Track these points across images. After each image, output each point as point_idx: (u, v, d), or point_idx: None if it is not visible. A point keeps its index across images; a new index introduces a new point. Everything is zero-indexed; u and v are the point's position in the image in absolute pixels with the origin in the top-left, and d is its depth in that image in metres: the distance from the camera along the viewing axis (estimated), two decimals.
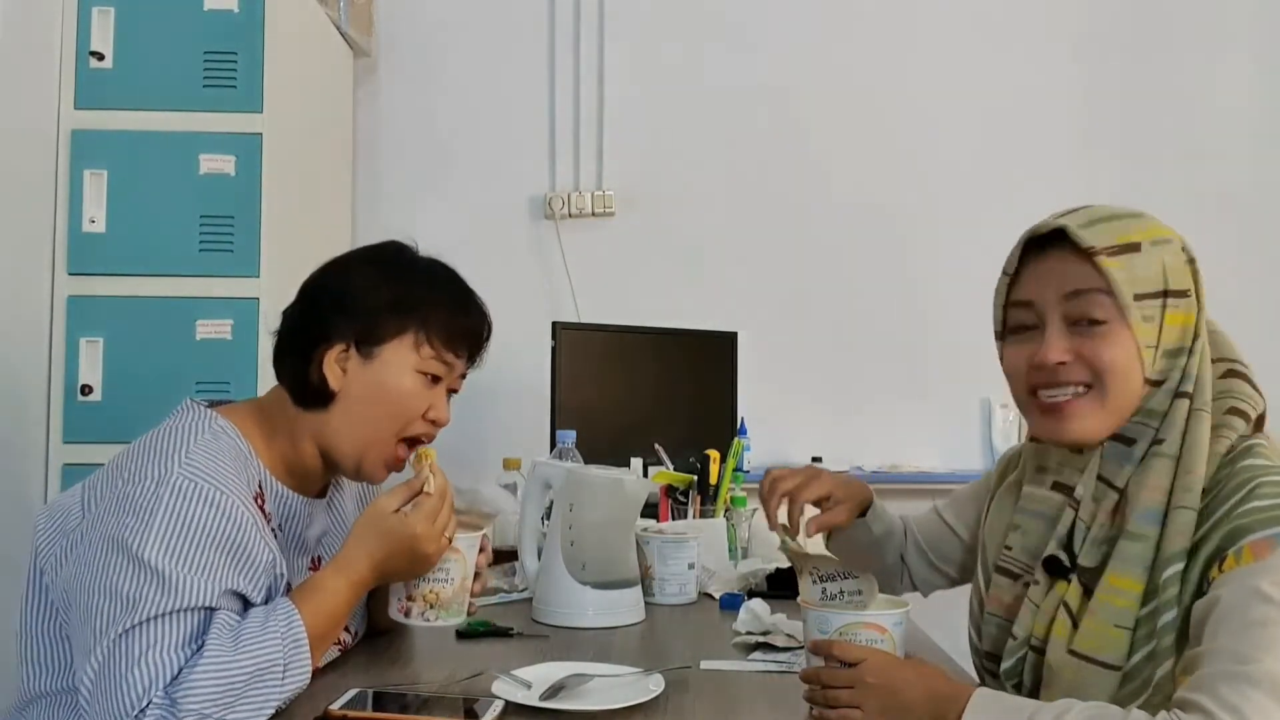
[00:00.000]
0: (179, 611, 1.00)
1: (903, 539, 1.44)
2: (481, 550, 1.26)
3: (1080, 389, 1.07)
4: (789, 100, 3.05)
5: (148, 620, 0.99)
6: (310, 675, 1.05)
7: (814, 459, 2.88)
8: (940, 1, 3.08)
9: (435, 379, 1.22)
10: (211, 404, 1.23)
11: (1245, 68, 3.07)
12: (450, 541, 1.18)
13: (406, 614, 1.20)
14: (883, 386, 3.02)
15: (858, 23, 3.06)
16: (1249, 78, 3.07)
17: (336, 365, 1.19)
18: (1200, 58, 3.06)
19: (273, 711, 1.01)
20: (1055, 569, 1.11)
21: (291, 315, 1.25)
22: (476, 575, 1.25)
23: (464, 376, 1.28)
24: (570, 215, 3.00)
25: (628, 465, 2.04)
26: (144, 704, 0.95)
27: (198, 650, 0.99)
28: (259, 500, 1.16)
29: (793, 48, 3.06)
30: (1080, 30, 3.07)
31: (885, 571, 1.42)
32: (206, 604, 1.02)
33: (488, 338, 1.29)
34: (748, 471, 2.36)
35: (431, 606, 1.19)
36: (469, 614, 1.25)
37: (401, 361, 1.20)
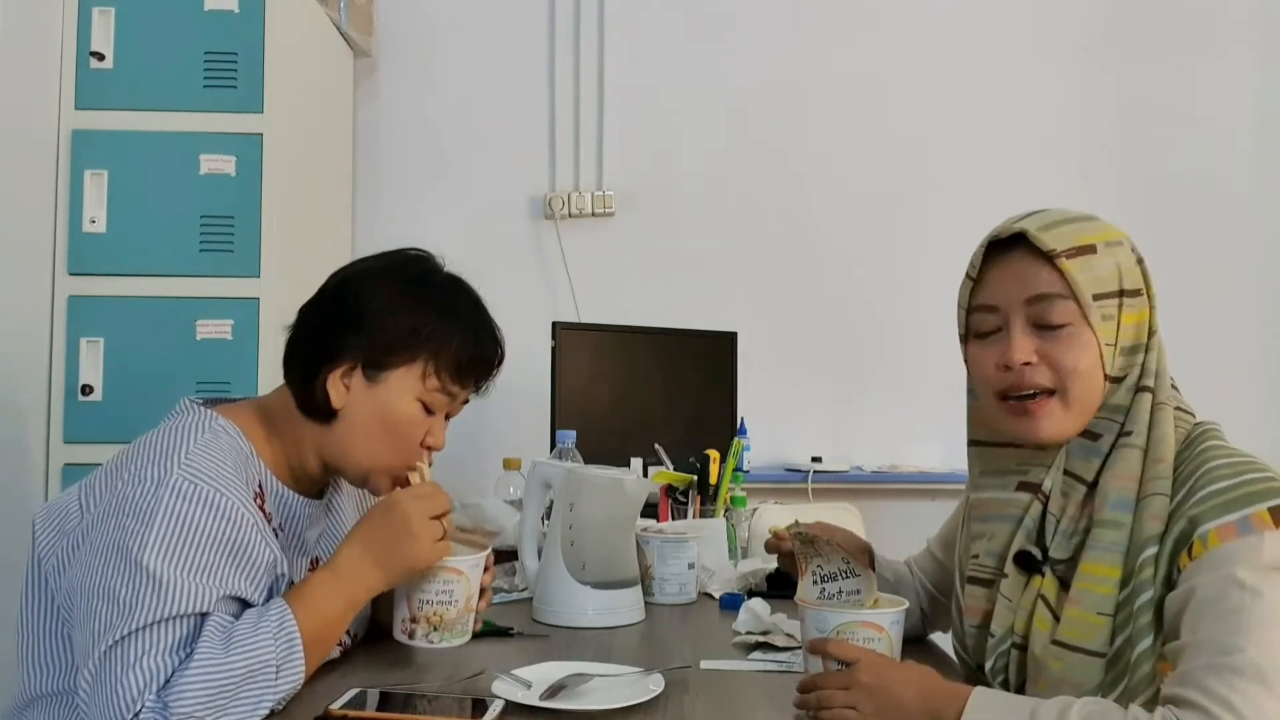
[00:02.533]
0: (176, 617, 1.00)
1: (912, 583, 1.45)
2: (486, 569, 1.25)
3: (1045, 393, 1.10)
4: (789, 100, 3.05)
5: (144, 627, 0.99)
6: (304, 674, 1.05)
7: (814, 459, 2.89)
8: (942, 3, 3.08)
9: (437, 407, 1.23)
10: (211, 402, 1.23)
11: (1246, 69, 3.06)
12: (445, 533, 1.17)
13: (410, 635, 1.19)
14: (883, 386, 3.02)
15: (858, 23, 3.06)
16: (1250, 79, 3.07)
17: (341, 383, 1.18)
18: (1201, 59, 3.06)
19: (267, 711, 1.02)
20: (1027, 564, 1.13)
21: (307, 318, 1.23)
22: (481, 593, 1.24)
23: (467, 402, 1.28)
24: (570, 215, 3.00)
25: (628, 465, 2.04)
26: (137, 709, 0.96)
27: (190, 654, 1.00)
28: (259, 500, 1.16)
29: (793, 48, 3.06)
30: (1079, 32, 3.06)
31: (909, 618, 1.41)
32: (203, 609, 1.02)
33: (498, 368, 1.28)
34: (748, 471, 2.37)
35: (435, 628, 1.18)
36: (475, 632, 1.24)
37: (405, 389, 1.19)
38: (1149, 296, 1.12)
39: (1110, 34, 3.06)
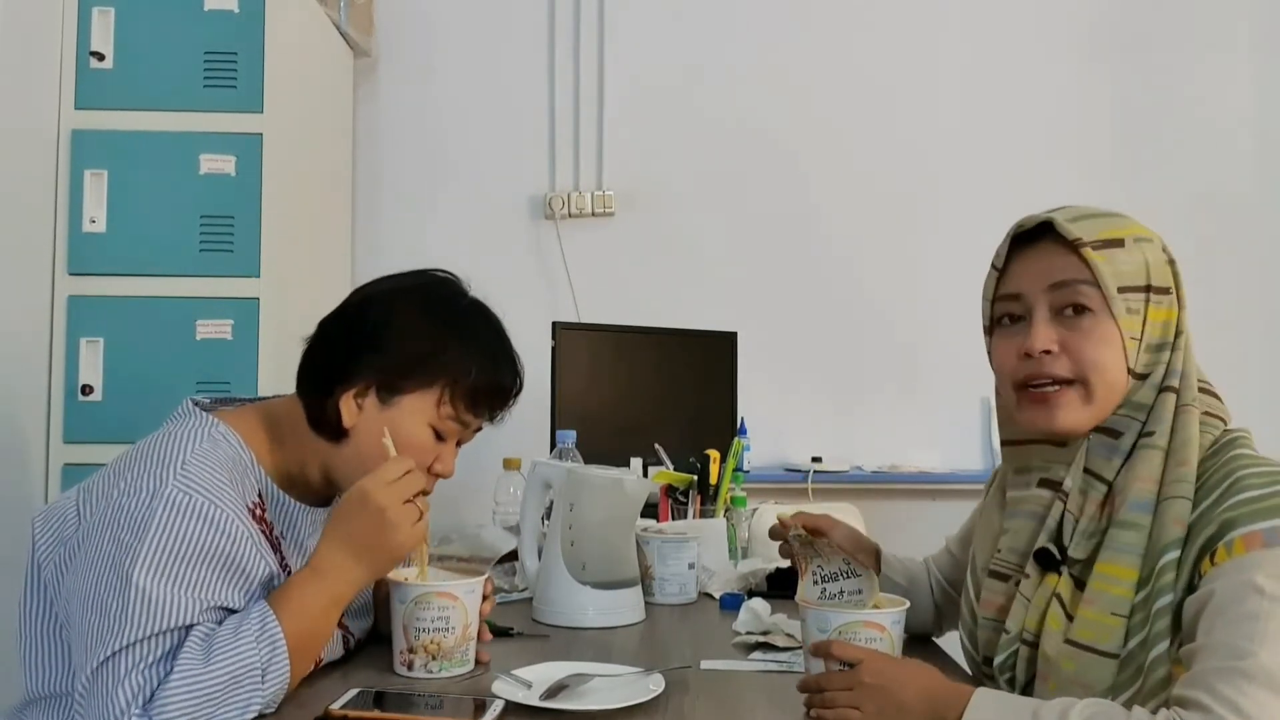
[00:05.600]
0: (165, 631, 1.00)
1: (927, 580, 1.45)
2: (485, 598, 1.23)
3: (1064, 384, 1.10)
4: (790, 100, 3.05)
5: (133, 643, 0.99)
6: (291, 675, 1.04)
7: (814, 459, 2.89)
8: (944, 3, 3.08)
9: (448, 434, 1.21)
10: (216, 401, 1.22)
11: (1246, 67, 3.06)
12: (423, 515, 1.14)
13: (409, 667, 1.17)
14: (883, 386, 3.02)
15: (860, 22, 3.06)
16: (1250, 78, 3.07)
17: (354, 402, 1.17)
18: (1201, 57, 3.06)
19: (256, 714, 1.01)
20: (1046, 562, 1.12)
21: (326, 333, 1.22)
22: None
23: (480, 429, 1.26)
24: (570, 215, 3.00)
25: (628, 465, 2.04)
26: None
27: (172, 666, 0.99)
28: (259, 509, 1.15)
29: (793, 47, 3.05)
30: (1080, 31, 3.07)
31: (919, 612, 1.41)
32: (192, 621, 1.02)
33: (515, 399, 1.26)
34: (748, 471, 2.36)
35: (434, 657, 1.17)
36: (478, 661, 1.21)
37: (418, 415, 1.18)
38: (1179, 298, 1.11)
39: (1113, 31, 3.06)
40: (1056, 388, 1.10)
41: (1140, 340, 1.09)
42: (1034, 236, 1.13)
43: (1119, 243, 1.09)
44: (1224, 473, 1.03)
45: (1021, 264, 1.14)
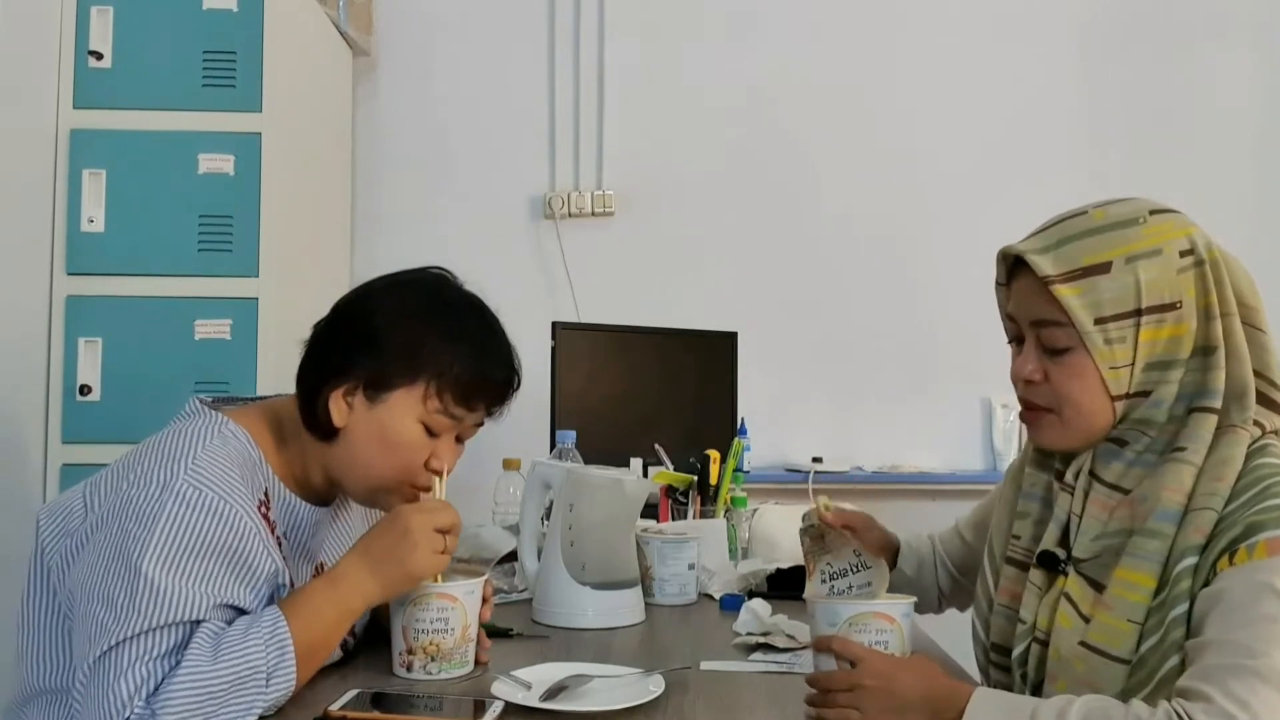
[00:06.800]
0: (170, 624, 1.00)
1: (932, 561, 1.46)
2: (485, 601, 1.23)
3: (1042, 410, 1.13)
4: (789, 100, 3.05)
5: (138, 634, 0.99)
6: (296, 681, 1.04)
7: (814, 459, 2.88)
8: (945, 2, 3.07)
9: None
10: (220, 401, 1.22)
11: (1247, 65, 3.06)
12: (448, 553, 1.14)
13: (408, 668, 1.17)
14: (883, 386, 3.02)
15: (857, 23, 3.06)
16: (1251, 75, 3.06)
17: (343, 401, 1.16)
18: (1202, 54, 3.05)
19: (256, 717, 1.01)
20: (1049, 563, 1.13)
21: (317, 334, 1.22)
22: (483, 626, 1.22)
23: (480, 424, 1.24)
24: (570, 215, 3.00)
25: (628, 465, 2.04)
26: (126, 715, 0.96)
27: (179, 661, 0.99)
28: (264, 507, 1.15)
29: (793, 47, 3.05)
30: (1081, 27, 3.06)
31: (923, 593, 1.43)
32: (198, 616, 1.02)
33: (514, 391, 1.24)
34: (748, 472, 2.36)
35: (433, 659, 1.16)
36: (478, 663, 1.21)
37: (407, 411, 1.17)
38: (1204, 308, 1.08)
39: (1114, 29, 3.06)
40: (1039, 411, 1.13)
41: (1133, 365, 1.07)
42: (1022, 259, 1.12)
43: (1103, 268, 1.07)
44: (1253, 478, 1.03)
45: (1015, 287, 1.15)
